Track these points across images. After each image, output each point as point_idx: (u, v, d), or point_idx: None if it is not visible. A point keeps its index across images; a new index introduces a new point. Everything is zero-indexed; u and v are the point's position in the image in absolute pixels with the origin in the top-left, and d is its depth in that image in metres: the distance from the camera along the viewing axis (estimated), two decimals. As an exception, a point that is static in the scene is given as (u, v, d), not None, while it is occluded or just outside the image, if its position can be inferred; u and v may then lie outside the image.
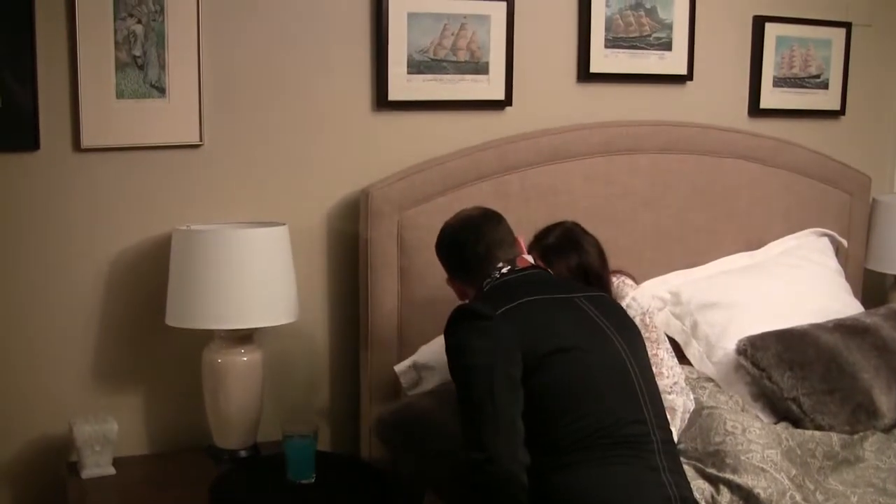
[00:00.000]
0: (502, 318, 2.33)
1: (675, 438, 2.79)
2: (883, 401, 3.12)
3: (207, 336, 2.94)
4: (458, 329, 2.39)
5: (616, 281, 2.96)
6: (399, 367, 3.09)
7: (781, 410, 3.10)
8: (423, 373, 3.07)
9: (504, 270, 2.50)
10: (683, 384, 2.93)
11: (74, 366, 3.00)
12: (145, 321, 3.02)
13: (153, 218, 3.02)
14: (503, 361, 2.29)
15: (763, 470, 2.66)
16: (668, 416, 2.76)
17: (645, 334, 2.90)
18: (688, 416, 2.88)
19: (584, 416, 2.28)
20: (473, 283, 2.56)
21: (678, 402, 2.84)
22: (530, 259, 2.60)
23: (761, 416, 3.05)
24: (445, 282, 2.70)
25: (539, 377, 2.29)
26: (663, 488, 2.28)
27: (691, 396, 2.93)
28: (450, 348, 2.41)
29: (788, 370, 3.11)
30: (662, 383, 2.84)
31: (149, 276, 3.01)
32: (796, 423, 3.06)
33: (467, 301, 2.60)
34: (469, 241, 2.57)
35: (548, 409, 2.29)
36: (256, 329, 2.96)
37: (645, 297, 3.03)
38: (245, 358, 2.94)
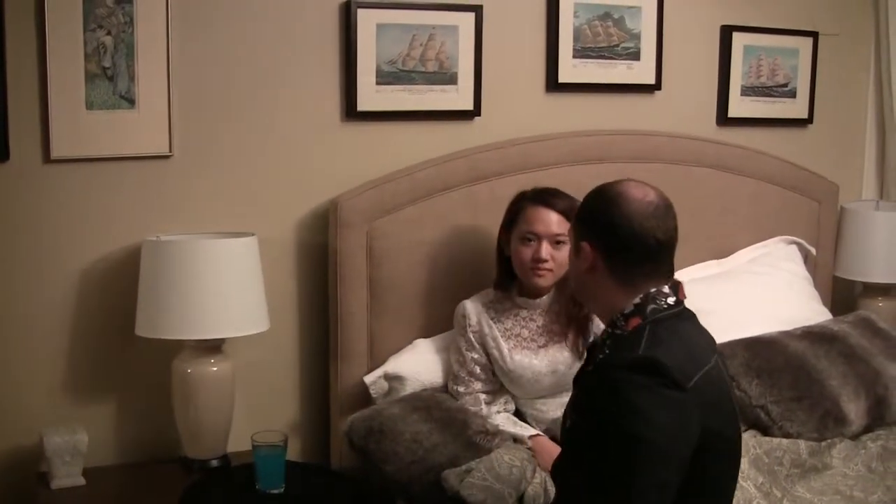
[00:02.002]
0: (696, 392, 1.98)
1: None
2: (851, 408, 3.19)
3: (177, 346, 3.00)
4: (637, 381, 1.96)
5: None
6: (369, 378, 3.16)
7: (750, 418, 3.17)
8: (392, 383, 3.14)
9: (670, 301, 2.12)
10: None
11: (44, 376, 3.05)
12: (115, 331, 3.08)
13: (123, 228, 3.08)
14: (681, 451, 1.96)
15: (730, 478, 2.75)
16: None
17: None
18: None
19: None
20: (625, 283, 2.13)
21: None
22: (685, 288, 2.23)
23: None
24: (573, 251, 2.24)
25: (698, 468, 2.00)
26: None
27: None
28: (614, 398, 1.97)
29: (756, 378, 3.20)
30: None
31: (119, 286, 3.06)
32: (765, 430, 3.13)
33: (579, 284, 2.25)
34: (647, 235, 2.11)
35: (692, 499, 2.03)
36: (226, 339, 3.02)
37: None
38: (215, 368, 3.00)
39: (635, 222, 2.10)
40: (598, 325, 2.99)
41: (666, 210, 2.16)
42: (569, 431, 2.15)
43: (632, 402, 1.94)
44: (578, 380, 2.20)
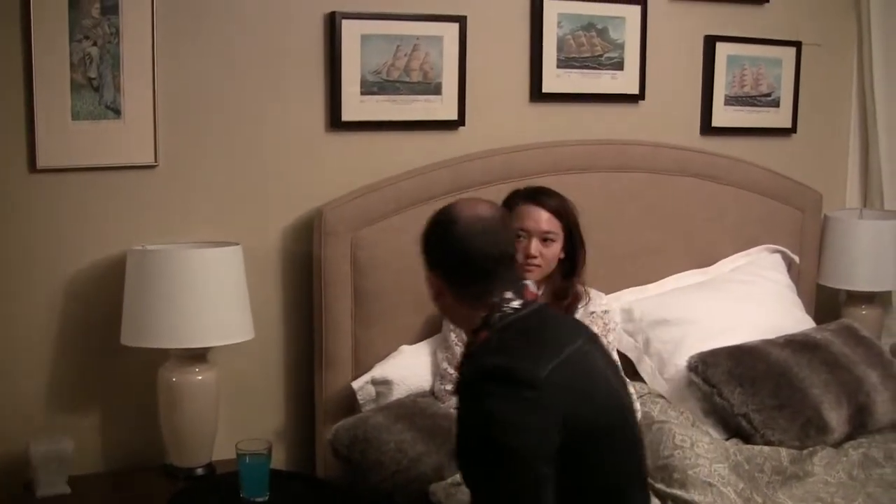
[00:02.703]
0: (550, 384, 2.02)
1: None
2: (832, 416, 3.22)
3: (163, 355, 3.02)
4: (487, 390, 2.03)
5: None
6: (356, 384, 3.20)
7: (733, 426, 3.21)
8: (380, 388, 3.19)
9: (516, 305, 2.19)
10: (632, 391, 3.07)
11: (30, 385, 3.07)
12: (101, 340, 3.10)
13: (108, 238, 3.11)
14: (548, 445, 2.01)
15: (710, 484, 2.76)
16: None
17: (605, 334, 3.06)
18: (635, 426, 3.01)
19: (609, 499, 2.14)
20: (470, 302, 2.22)
21: None
22: (533, 288, 2.29)
23: (713, 432, 3.14)
24: (426, 280, 2.33)
25: (573, 462, 2.06)
26: None
27: (638, 406, 3.06)
28: (475, 416, 2.05)
29: (739, 386, 3.22)
30: None
31: (104, 295, 3.09)
32: (747, 439, 3.16)
33: (442, 309, 2.36)
34: (484, 249, 2.20)
35: (580, 493, 2.09)
36: (211, 348, 3.04)
37: (605, 298, 3.19)
38: (200, 377, 3.03)
39: (467, 244, 2.20)
40: (580, 318, 3.06)
41: (497, 223, 2.26)
42: (455, 440, 2.19)
43: (487, 410, 2.01)
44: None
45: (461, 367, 2.26)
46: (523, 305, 2.19)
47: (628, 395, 2.35)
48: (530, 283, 2.28)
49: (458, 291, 2.23)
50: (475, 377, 2.09)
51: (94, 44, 3.04)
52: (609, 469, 2.14)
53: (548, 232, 3.03)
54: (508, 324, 2.16)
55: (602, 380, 2.20)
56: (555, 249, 3.05)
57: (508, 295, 2.19)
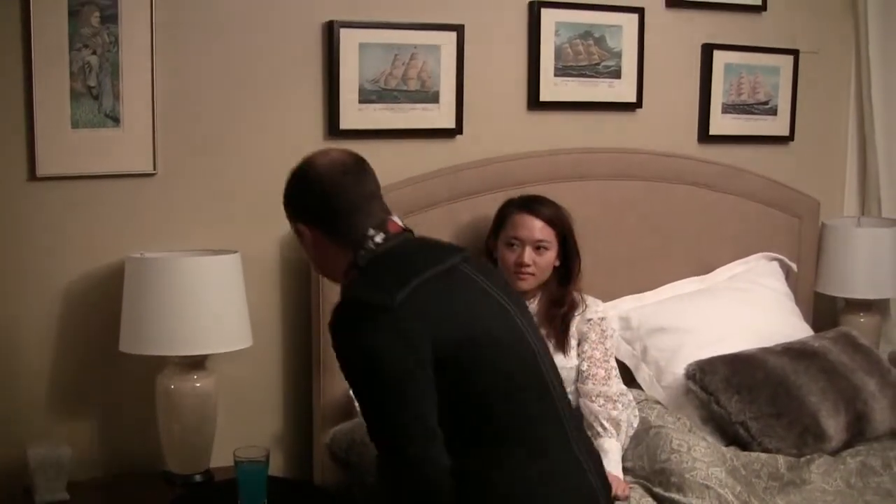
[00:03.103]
0: (405, 308, 2.11)
1: (620, 455, 2.96)
2: (830, 424, 3.25)
3: (161, 362, 3.04)
4: (353, 328, 2.14)
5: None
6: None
7: (730, 434, 3.24)
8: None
9: (378, 239, 2.25)
10: (631, 398, 3.11)
11: (29, 391, 3.09)
12: (99, 347, 3.12)
13: (107, 246, 3.13)
14: (415, 362, 2.11)
15: (707, 487, 2.80)
16: (613, 430, 2.95)
17: (602, 341, 3.08)
18: (632, 431, 3.04)
19: (500, 416, 2.21)
20: (342, 243, 2.28)
21: (623, 417, 3.00)
22: (399, 221, 2.36)
23: (710, 439, 3.14)
24: (297, 237, 2.41)
25: (452, 375, 2.15)
26: (586, 478, 2.30)
27: (636, 413, 3.09)
28: (346, 351, 2.16)
29: (736, 394, 3.25)
30: (611, 390, 3.03)
31: (103, 303, 3.11)
32: (744, 446, 3.18)
33: (317, 265, 2.42)
34: (341, 190, 2.29)
35: (462, 411, 2.17)
36: (210, 355, 3.06)
37: (602, 305, 3.21)
38: (198, 384, 3.04)
39: (327, 186, 2.30)
40: (578, 326, 3.10)
41: (356, 164, 2.35)
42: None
43: (346, 340, 2.14)
44: None
45: None
46: (386, 239, 2.26)
47: (526, 314, 2.39)
48: (395, 217, 2.35)
49: (328, 233, 2.30)
50: (335, 315, 2.18)
51: (94, 52, 3.07)
52: (493, 379, 2.20)
53: (541, 240, 3.07)
54: (372, 259, 2.24)
55: (475, 294, 2.27)
56: (548, 258, 3.08)
57: (370, 232, 2.25)
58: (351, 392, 2.34)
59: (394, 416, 2.13)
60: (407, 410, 2.12)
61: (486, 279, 2.33)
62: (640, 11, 3.82)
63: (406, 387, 2.11)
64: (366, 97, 3.37)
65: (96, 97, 3.09)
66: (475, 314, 2.23)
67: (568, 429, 2.31)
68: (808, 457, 3.17)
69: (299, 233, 2.37)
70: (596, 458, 2.42)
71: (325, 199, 2.29)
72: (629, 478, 2.93)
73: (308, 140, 3.31)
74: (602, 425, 2.96)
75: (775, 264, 3.99)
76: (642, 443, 3.03)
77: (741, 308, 3.71)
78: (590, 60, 3.75)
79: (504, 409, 2.21)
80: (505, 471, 2.18)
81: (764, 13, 4.10)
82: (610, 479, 2.82)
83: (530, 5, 3.64)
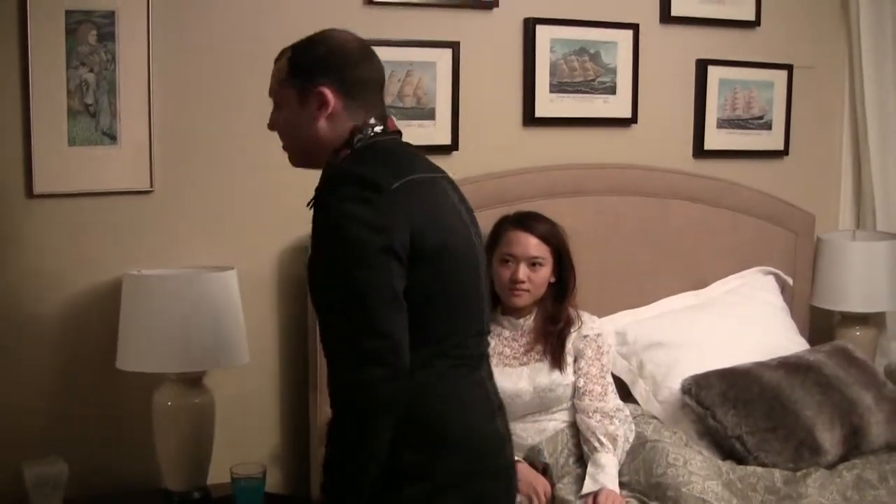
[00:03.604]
0: (397, 194, 2.09)
1: (617, 470, 2.98)
2: (826, 438, 3.26)
3: (158, 379, 3.06)
4: (340, 193, 2.08)
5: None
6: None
7: (726, 449, 3.25)
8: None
9: (377, 130, 2.22)
10: (627, 413, 3.13)
11: (26, 408, 3.10)
12: (96, 364, 3.14)
13: (104, 263, 3.15)
14: (398, 244, 2.07)
15: (704, 501, 2.83)
16: (610, 445, 2.97)
17: (598, 357, 3.10)
18: (628, 446, 3.06)
19: (446, 321, 2.19)
20: (352, 115, 2.22)
21: (620, 432, 3.03)
22: (395, 120, 2.34)
23: (706, 454, 3.16)
24: (296, 101, 2.24)
25: (423, 273, 2.11)
26: (490, 400, 2.30)
27: (633, 427, 3.11)
28: (326, 214, 2.09)
29: (732, 408, 3.27)
30: (608, 406, 3.06)
31: (100, 319, 3.13)
32: (740, 461, 3.19)
33: (306, 140, 2.26)
34: (366, 63, 2.26)
35: (419, 308, 2.12)
36: (207, 372, 3.09)
37: (598, 321, 3.23)
38: (196, 400, 3.06)
39: (356, 53, 2.25)
40: (574, 343, 3.12)
41: (370, 49, 2.30)
42: (308, 279, 2.18)
43: (337, 208, 2.06)
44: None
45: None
46: (383, 132, 2.24)
47: (479, 234, 2.37)
48: (393, 117, 2.32)
49: (347, 99, 2.21)
50: (326, 183, 2.15)
51: (91, 70, 3.10)
52: (450, 290, 2.19)
53: (535, 257, 3.10)
54: (369, 145, 2.20)
55: (451, 207, 2.26)
56: (543, 274, 3.11)
57: (372, 121, 2.22)
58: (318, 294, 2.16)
59: (376, 291, 2.05)
60: (388, 285, 2.06)
61: (458, 197, 2.33)
62: (634, 27, 3.85)
63: (387, 260, 2.06)
64: (362, 114, 3.39)
65: (93, 115, 3.11)
66: (452, 225, 2.23)
67: (486, 355, 2.35)
68: (805, 471, 3.17)
69: (308, 97, 2.22)
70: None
71: (354, 65, 2.23)
72: (625, 492, 2.95)
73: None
74: (599, 440, 2.98)
75: (771, 278, 4.01)
76: (638, 457, 3.05)
77: (737, 322, 3.73)
78: (585, 76, 3.78)
79: (454, 319, 2.21)
80: (436, 373, 2.17)
81: (758, 28, 4.13)
82: (606, 493, 2.86)
83: (525, 22, 3.67)
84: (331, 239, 2.08)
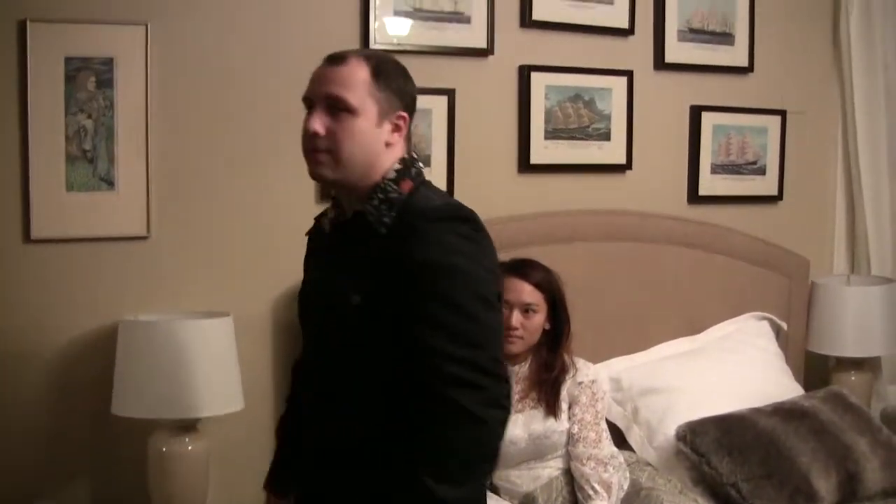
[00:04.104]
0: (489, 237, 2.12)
1: None
2: (821, 484, 3.26)
3: (153, 425, 3.06)
4: (458, 230, 2.03)
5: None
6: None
7: (721, 496, 3.26)
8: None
9: (421, 165, 2.22)
10: (622, 460, 3.15)
11: (20, 451, 3.11)
12: (92, 409, 3.15)
13: (101, 308, 3.17)
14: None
15: (699, 548, 2.84)
16: (604, 492, 2.99)
17: (593, 404, 3.12)
18: (622, 493, 3.08)
19: None
20: (406, 145, 2.20)
21: (614, 479, 3.04)
22: None
23: (701, 501, 3.18)
24: (340, 99, 2.10)
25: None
26: None
27: (627, 475, 3.13)
28: (444, 251, 2.01)
29: (727, 455, 3.28)
30: (602, 453, 3.07)
31: (96, 365, 3.14)
32: (736, 509, 3.20)
33: (369, 157, 2.13)
34: (416, 98, 2.24)
35: None
36: (202, 418, 3.09)
37: (593, 367, 3.25)
38: (190, 447, 3.07)
39: (416, 93, 2.23)
40: (569, 390, 3.13)
41: None
42: (358, 318, 2.09)
43: (457, 246, 2.01)
44: (349, 258, 2.17)
45: (356, 219, 2.17)
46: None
47: None
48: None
49: (407, 133, 2.19)
50: (440, 216, 2.06)
51: (89, 116, 3.13)
52: None
53: (529, 304, 3.12)
54: (423, 181, 2.18)
55: None
56: (537, 321, 3.13)
57: (415, 155, 2.21)
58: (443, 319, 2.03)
59: (494, 327, 2.05)
60: (498, 336, 2.07)
61: None
62: (628, 74, 3.90)
63: (499, 310, 2.09)
64: (358, 160, 3.41)
65: (91, 161, 3.14)
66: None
67: None
68: (801, 518, 3.18)
69: (390, 117, 2.15)
70: None
71: (416, 99, 2.22)
72: (621, 541, 2.97)
73: (301, 203, 3.35)
74: (593, 488, 2.99)
75: (765, 323, 4.04)
76: (633, 505, 3.06)
77: (732, 368, 3.76)
78: (580, 123, 3.82)
79: None
80: None
81: (751, 74, 4.19)
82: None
83: (520, 69, 3.72)
84: (455, 277, 2.01)
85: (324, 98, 2.13)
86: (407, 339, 2.03)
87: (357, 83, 2.12)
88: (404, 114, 2.16)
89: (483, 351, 1.99)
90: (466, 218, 2.07)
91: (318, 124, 2.11)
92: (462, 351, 1.98)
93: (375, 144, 2.13)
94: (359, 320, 2.10)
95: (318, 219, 2.38)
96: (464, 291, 2.00)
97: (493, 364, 2.00)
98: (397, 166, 2.15)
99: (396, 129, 2.15)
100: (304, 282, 2.40)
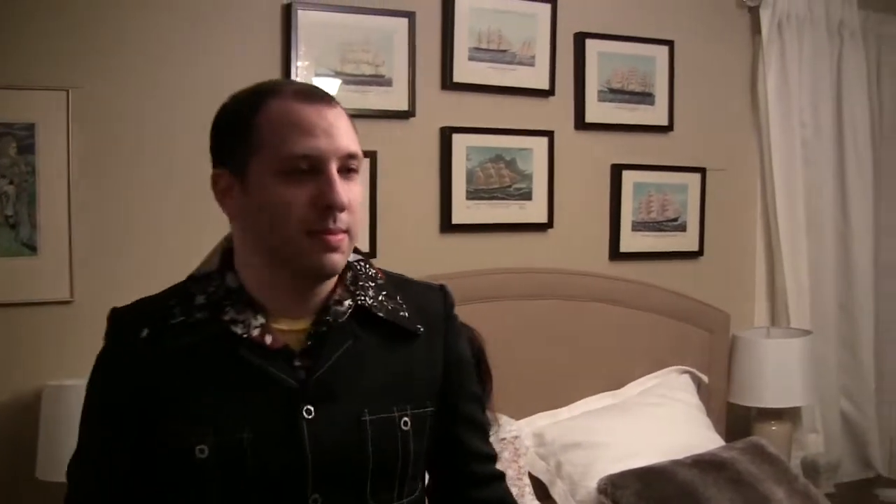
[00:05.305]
0: None
1: None
2: (739, 534, 3.34)
3: (77, 489, 3.10)
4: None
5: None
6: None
7: (643, 549, 3.34)
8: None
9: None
10: None
11: (-58, 522, 3.10)
12: (16, 474, 3.16)
13: (25, 373, 3.20)
14: None
15: None
16: None
17: (515, 459, 3.19)
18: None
19: None
20: None
21: None
22: None
23: (624, 554, 3.25)
24: (356, 156, 1.68)
25: None
26: None
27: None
28: (461, 339, 1.95)
29: (648, 508, 3.36)
30: None
31: (21, 429, 3.16)
32: (658, 560, 3.28)
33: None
34: None
35: None
36: (127, 481, 3.13)
37: (516, 423, 3.32)
38: (116, 510, 3.11)
39: None
40: None
41: None
42: (437, 421, 1.85)
43: (465, 333, 1.92)
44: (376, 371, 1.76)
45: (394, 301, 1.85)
46: None
47: None
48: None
49: None
50: (452, 307, 1.90)
51: (11, 182, 3.18)
52: None
53: None
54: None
55: None
56: None
57: None
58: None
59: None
60: None
61: None
62: (549, 134, 4.00)
63: None
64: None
65: (13, 226, 3.19)
66: None
67: None
68: (720, 569, 3.26)
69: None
70: None
71: None
72: None
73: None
74: (514, 545, 3.07)
75: (686, 377, 4.14)
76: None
77: (653, 422, 3.84)
78: (501, 183, 3.90)
79: None
80: None
81: (671, 133, 4.31)
82: None
83: (441, 130, 3.81)
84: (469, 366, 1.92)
85: (345, 157, 1.64)
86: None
87: (354, 137, 1.69)
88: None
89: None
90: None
91: (345, 195, 1.63)
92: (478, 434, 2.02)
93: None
94: (406, 447, 1.75)
95: (199, 327, 1.71)
96: (471, 382, 2.02)
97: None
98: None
99: None
100: (223, 432, 1.64)
